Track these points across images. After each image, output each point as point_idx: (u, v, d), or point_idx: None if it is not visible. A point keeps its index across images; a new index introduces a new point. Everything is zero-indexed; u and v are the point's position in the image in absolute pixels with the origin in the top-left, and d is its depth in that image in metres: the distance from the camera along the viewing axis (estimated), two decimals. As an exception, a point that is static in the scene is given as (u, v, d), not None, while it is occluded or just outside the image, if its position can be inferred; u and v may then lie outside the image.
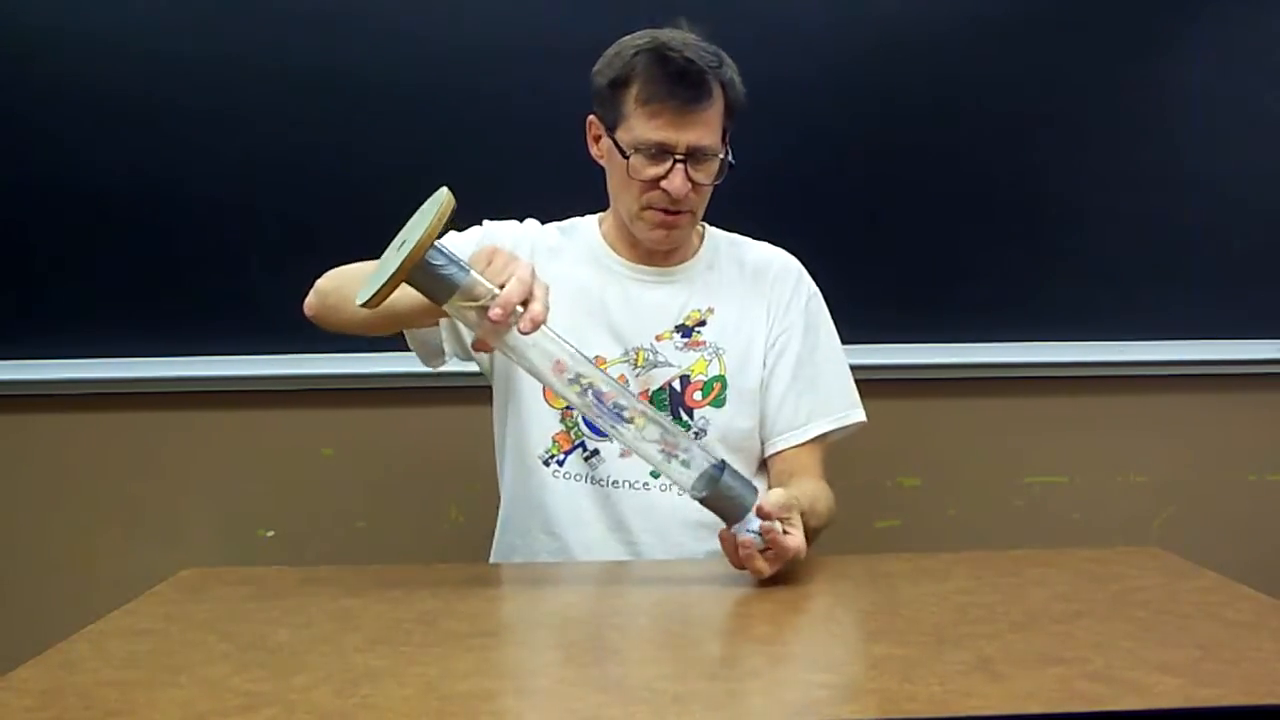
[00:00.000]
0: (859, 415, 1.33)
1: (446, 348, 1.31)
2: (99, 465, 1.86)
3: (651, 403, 1.26)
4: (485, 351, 0.99)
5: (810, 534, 1.10)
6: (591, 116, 1.28)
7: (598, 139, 1.28)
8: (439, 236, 0.92)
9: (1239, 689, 0.74)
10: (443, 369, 1.35)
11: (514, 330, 0.95)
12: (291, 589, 1.06)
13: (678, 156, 1.20)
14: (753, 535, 0.99)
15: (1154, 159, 1.89)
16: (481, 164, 1.77)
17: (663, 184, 1.22)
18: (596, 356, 1.27)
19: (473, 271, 0.95)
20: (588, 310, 1.30)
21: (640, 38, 1.23)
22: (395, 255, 0.94)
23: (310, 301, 1.26)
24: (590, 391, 0.99)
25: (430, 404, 1.84)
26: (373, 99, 1.78)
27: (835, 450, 1.35)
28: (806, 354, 1.32)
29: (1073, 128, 1.87)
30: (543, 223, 1.37)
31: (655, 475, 1.25)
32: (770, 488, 1.21)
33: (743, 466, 1.28)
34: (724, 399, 1.28)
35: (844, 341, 1.37)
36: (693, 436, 1.25)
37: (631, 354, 1.28)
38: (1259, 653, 0.82)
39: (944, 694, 0.72)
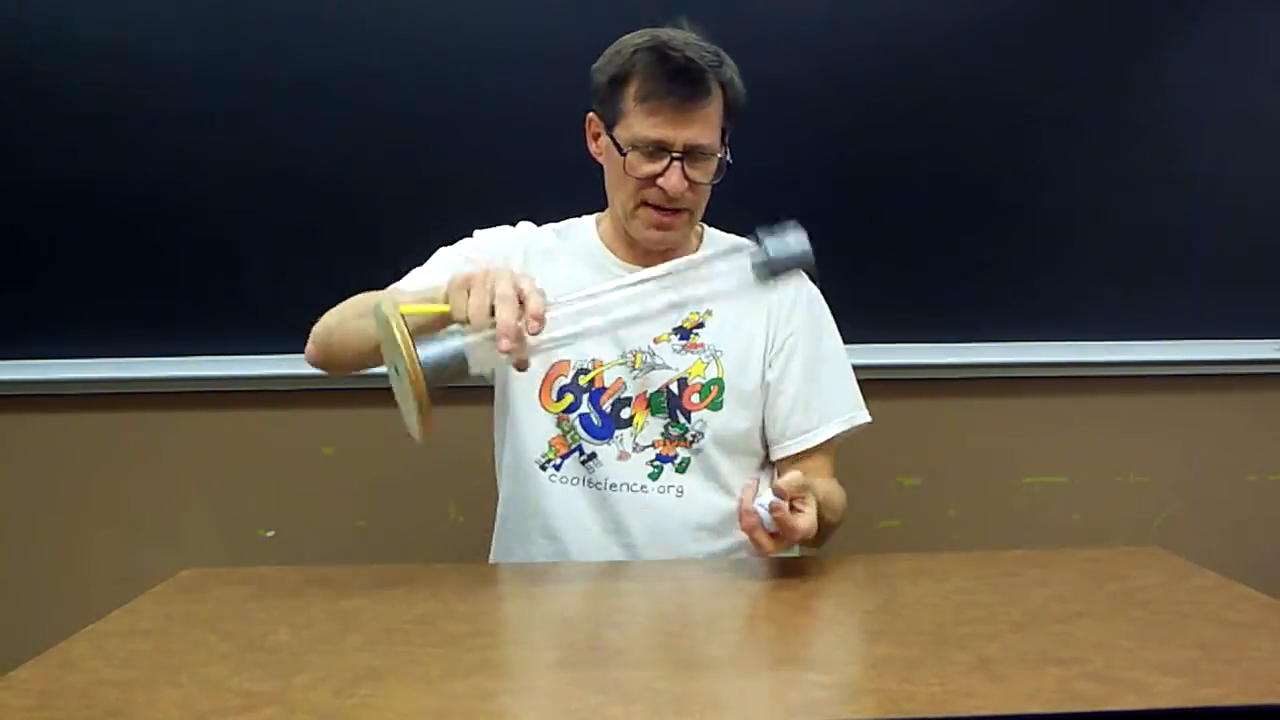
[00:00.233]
0: (865, 416, 1.33)
1: None
2: (99, 465, 1.86)
3: (649, 405, 1.26)
4: (525, 370, 0.99)
5: (826, 529, 1.11)
6: (591, 114, 1.28)
7: (597, 136, 1.28)
8: (412, 338, 0.91)
9: (1239, 689, 0.74)
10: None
11: (528, 337, 0.94)
12: (291, 589, 1.06)
13: (675, 154, 1.20)
14: (762, 509, 1.02)
15: (1154, 159, 1.89)
16: (482, 165, 1.78)
17: (659, 182, 1.21)
18: (594, 359, 1.27)
19: (463, 332, 0.93)
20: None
21: (641, 36, 1.23)
22: (401, 383, 0.94)
23: (311, 350, 1.22)
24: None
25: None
26: (373, 99, 1.78)
27: (836, 450, 1.35)
28: (813, 357, 1.32)
29: (1073, 128, 1.87)
30: (539, 224, 1.37)
31: (653, 477, 1.25)
32: None
33: (741, 467, 1.29)
34: (721, 402, 1.27)
35: (844, 341, 1.37)
36: (691, 437, 1.25)
37: (629, 356, 1.28)
38: (1259, 653, 0.82)
39: (944, 694, 0.72)
